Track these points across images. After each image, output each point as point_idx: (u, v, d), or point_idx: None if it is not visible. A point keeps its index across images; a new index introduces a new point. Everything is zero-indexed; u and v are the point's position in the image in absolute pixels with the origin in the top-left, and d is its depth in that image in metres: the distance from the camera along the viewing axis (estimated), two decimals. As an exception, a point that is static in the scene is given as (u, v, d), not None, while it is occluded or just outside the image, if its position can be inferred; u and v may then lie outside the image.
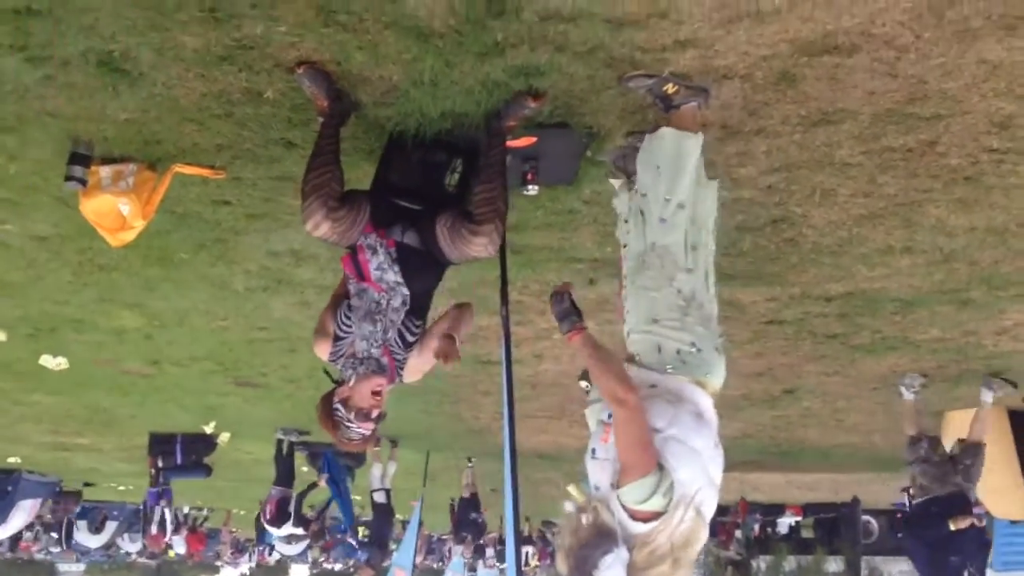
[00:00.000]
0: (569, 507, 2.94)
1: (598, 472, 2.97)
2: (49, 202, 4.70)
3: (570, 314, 3.13)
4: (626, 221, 3.54)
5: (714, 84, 3.44)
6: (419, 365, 3.55)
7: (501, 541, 23.42)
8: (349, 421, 3.38)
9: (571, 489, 3.26)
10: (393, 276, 3.41)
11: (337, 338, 3.52)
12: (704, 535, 2.86)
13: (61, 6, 3.04)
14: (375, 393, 3.40)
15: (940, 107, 3.59)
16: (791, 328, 6.55)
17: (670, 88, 3.37)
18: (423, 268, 3.47)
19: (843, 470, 13.55)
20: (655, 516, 2.79)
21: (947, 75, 3.39)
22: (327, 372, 3.64)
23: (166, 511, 14.93)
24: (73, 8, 3.05)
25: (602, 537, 2.84)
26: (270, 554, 20.34)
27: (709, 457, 2.88)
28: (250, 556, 25.06)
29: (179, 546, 22.94)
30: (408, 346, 3.48)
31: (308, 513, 13.26)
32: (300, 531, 12.79)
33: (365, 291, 3.46)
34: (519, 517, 3.50)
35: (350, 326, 3.49)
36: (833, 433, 10.45)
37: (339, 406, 3.39)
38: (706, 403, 3.00)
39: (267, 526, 12.59)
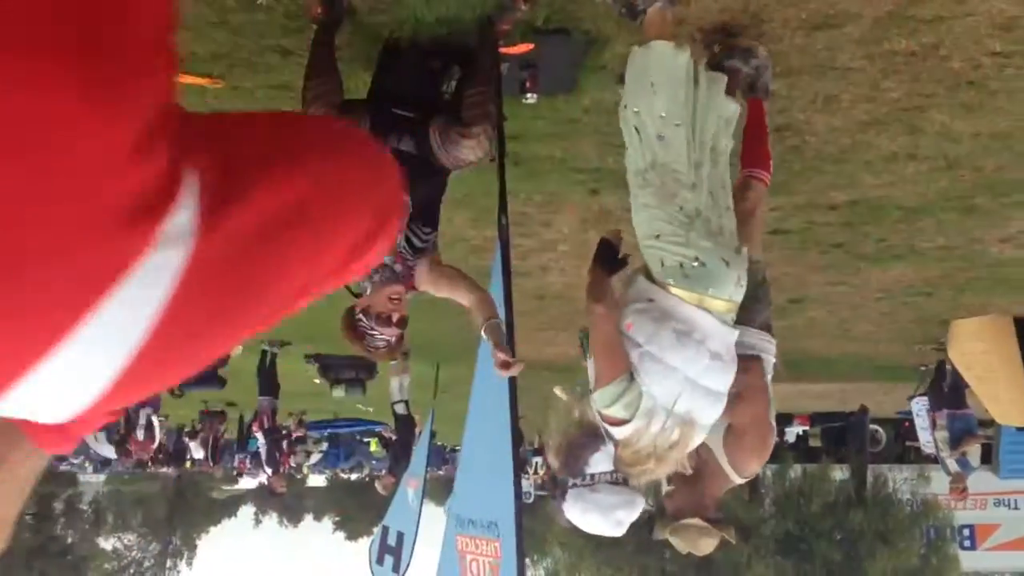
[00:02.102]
0: (558, 406, 3.12)
1: (590, 376, 3.10)
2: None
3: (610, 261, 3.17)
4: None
5: None
6: (435, 283, 3.51)
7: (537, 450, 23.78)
8: (372, 329, 3.40)
9: (557, 390, 3.32)
10: None
11: None
12: (697, 438, 2.98)
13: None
14: (392, 299, 3.40)
15: (942, 9, 3.53)
16: (796, 237, 6.55)
17: None
18: (421, 175, 3.46)
19: (850, 380, 13.65)
20: (622, 422, 2.91)
21: (950, -25, 3.33)
22: (347, 288, 3.66)
23: (153, 417, 14.50)
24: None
25: (589, 437, 3.06)
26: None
27: (701, 370, 2.92)
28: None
29: (197, 452, 23.43)
30: (417, 251, 3.48)
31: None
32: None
33: None
34: (518, 438, 3.58)
35: None
36: (839, 343, 10.51)
37: (361, 316, 3.41)
38: (701, 321, 2.98)
39: (259, 436, 12.86)
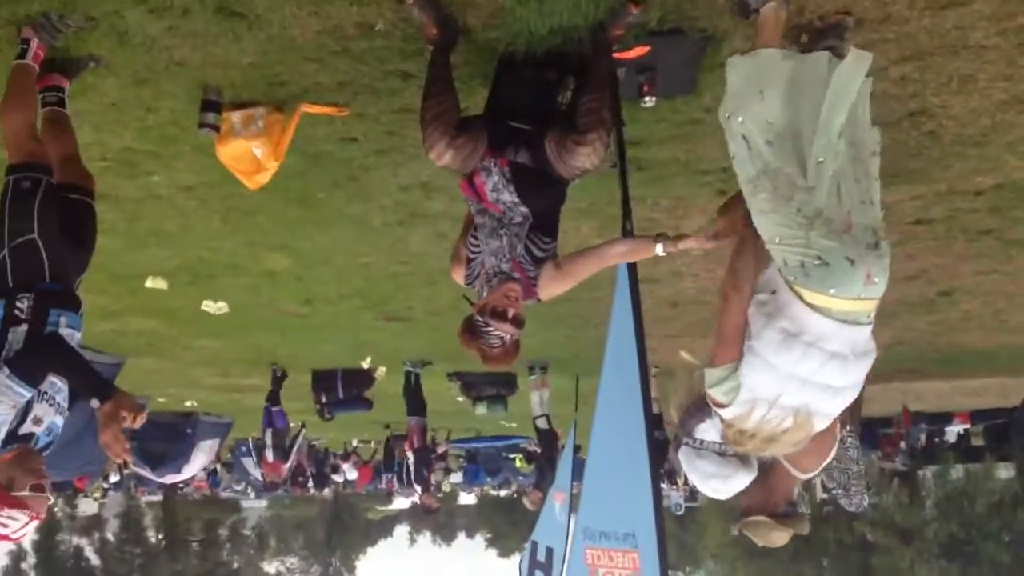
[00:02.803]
0: (683, 367, 3.37)
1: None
2: (189, 151, 4.92)
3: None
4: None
5: None
6: (564, 278, 3.53)
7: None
8: (487, 325, 3.39)
9: (683, 354, 3.41)
10: (509, 196, 3.43)
11: (469, 260, 3.59)
12: (818, 425, 3.10)
13: (173, -44, 3.16)
14: (509, 295, 3.40)
15: (1079, -25, 3.35)
16: (941, 227, 6.30)
17: None
18: (539, 186, 3.47)
19: (1010, 373, 13.03)
20: (723, 405, 3.11)
21: (1085, -62, 3.16)
22: (466, 297, 3.70)
23: (268, 437, 13.57)
24: (185, -43, 3.17)
25: (698, 408, 3.35)
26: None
27: (815, 368, 2.98)
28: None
29: (350, 473, 24.04)
30: (538, 261, 3.49)
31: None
32: None
33: (486, 210, 3.50)
34: (656, 451, 3.56)
35: (478, 245, 3.54)
36: (996, 335, 10.03)
37: (477, 316, 3.43)
38: (815, 324, 2.98)
39: (410, 455, 13.06)
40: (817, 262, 2.95)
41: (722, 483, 3.46)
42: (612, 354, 3.79)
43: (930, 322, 9.40)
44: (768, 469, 3.56)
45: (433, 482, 14.13)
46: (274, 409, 12.59)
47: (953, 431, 18.13)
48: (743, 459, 3.41)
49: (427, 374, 12.16)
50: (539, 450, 13.06)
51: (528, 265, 3.46)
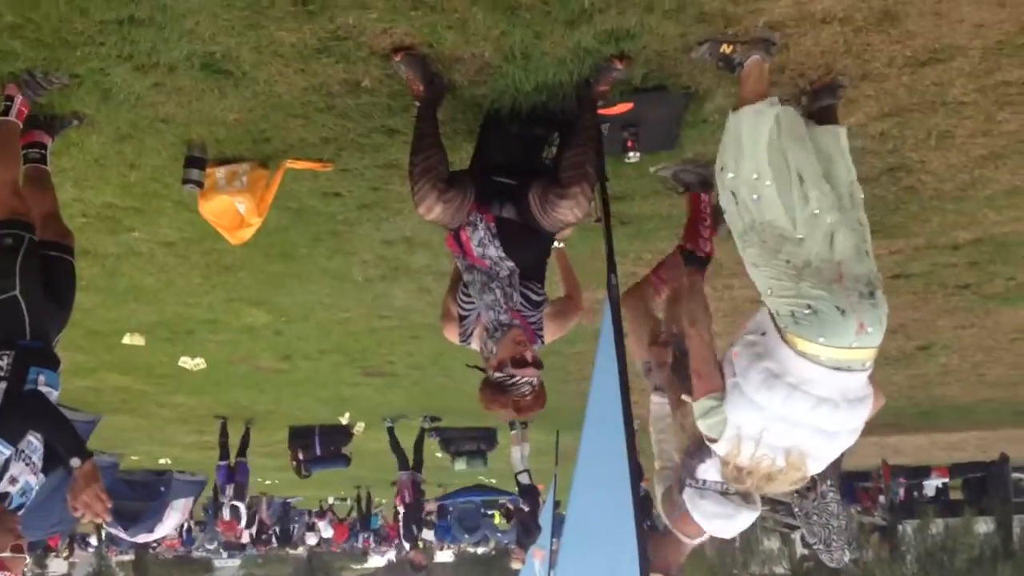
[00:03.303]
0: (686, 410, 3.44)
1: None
2: (171, 207, 4.90)
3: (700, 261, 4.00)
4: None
5: (772, 31, 3.36)
6: (558, 324, 3.62)
7: None
8: (512, 377, 3.36)
9: (684, 396, 3.46)
10: (495, 251, 3.43)
11: (461, 317, 3.58)
12: (812, 468, 3.19)
13: (162, 13, 3.16)
14: (518, 343, 3.38)
15: (1055, 34, 3.41)
16: (919, 281, 6.35)
17: (727, 48, 3.40)
18: (524, 240, 3.47)
19: (989, 427, 13.07)
20: (712, 440, 3.23)
21: (1060, -2, 3.22)
22: (475, 366, 3.66)
23: (233, 499, 13.16)
24: (173, 14, 3.17)
25: (698, 448, 3.47)
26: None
27: (804, 411, 3.06)
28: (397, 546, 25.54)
29: (326, 531, 23.71)
30: (536, 305, 3.49)
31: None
32: None
33: (473, 266, 3.49)
34: (640, 507, 3.52)
35: (471, 301, 3.53)
36: (975, 388, 10.08)
37: (497, 374, 3.39)
38: (801, 369, 3.05)
39: (400, 509, 12.90)
40: (807, 311, 3.03)
41: (726, 522, 3.56)
42: (594, 408, 3.75)
43: (909, 376, 9.43)
44: (663, 537, 3.78)
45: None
46: (239, 461, 12.34)
47: (932, 485, 18.13)
48: (746, 497, 3.50)
49: (402, 428, 12.06)
50: (523, 507, 12.94)
51: (528, 311, 3.45)
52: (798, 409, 3.06)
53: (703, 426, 3.23)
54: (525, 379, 3.37)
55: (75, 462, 3.11)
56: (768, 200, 3.21)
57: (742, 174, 3.29)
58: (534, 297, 3.47)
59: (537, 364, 3.38)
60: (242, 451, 12.23)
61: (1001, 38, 3.43)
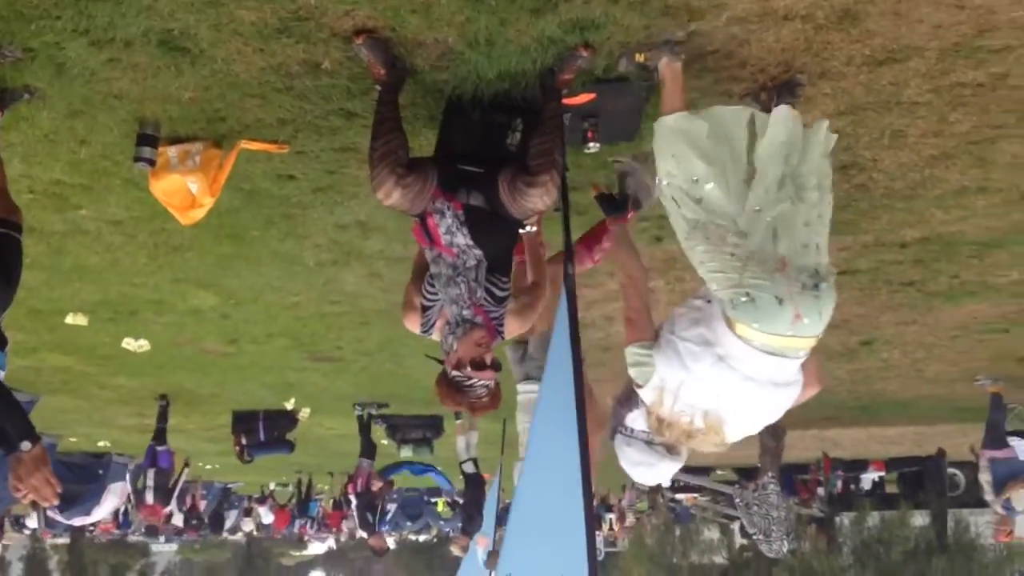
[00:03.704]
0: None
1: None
2: (121, 185, 4.80)
3: (619, 206, 4.00)
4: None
5: (675, 31, 3.42)
6: (517, 324, 3.56)
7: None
8: (469, 378, 3.37)
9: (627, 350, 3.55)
10: (463, 239, 3.41)
11: (424, 308, 3.56)
12: (729, 436, 3.31)
13: (120, -13, 3.10)
14: (479, 344, 3.38)
15: (1010, 37, 3.47)
16: (866, 277, 6.45)
17: (640, 57, 3.50)
18: (492, 228, 3.47)
19: (926, 422, 13.32)
20: (638, 386, 3.36)
21: (1017, 2, 3.28)
22: (433, 357, 3.65)
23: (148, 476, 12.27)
24: (132, -12, 3.11)
25: (628, 397, 3.59)
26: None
27: (726, 382, 3.18)
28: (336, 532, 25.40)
29: (267, 517, 23.52)
30: (499, 301, 3.48)
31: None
32: None
33: (440, 257, 3.47)
34: (591, 498, 3.53)
35: (435, 293, 3.51)
36: (914, 384, 10.26)
37: (455, 372, 3.40)
38: (732, 345, 3.15)
39: (353, 498, 12.82)
40: (744, 299, 3.10)
41: (647, 470, 3.66)
42: (546, 398, 3.76)
43: (850, 371, 9.58)
44: None
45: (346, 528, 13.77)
46: (159, 448, 11.77)
47: (868, 478, 18.49)
48: (670, 449, 3.57)
49: (342, 414, 11.98)
50: (463, 498, 12.93)
51: (492, 307, 3.44)
52: (721, 379, 3.18)
53: (632, 372, 3.36)
54: (482, 382, 3.39)
55: (25, 445, 3.02)
56: (710, 200, 3.27)
57: (680, 179, 3.34)
58: (499, 292, 3.46)
59: (496, 367, 3.38)
60: (162, 438, 11.64)
61: (958, 40, 3.49)
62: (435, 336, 3.56)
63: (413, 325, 3.62)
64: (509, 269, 3.56)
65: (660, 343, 3.33)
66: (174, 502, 14.53)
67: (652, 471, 3.69)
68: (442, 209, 3.41)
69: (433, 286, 3.51)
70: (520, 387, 4.53)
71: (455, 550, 10.81)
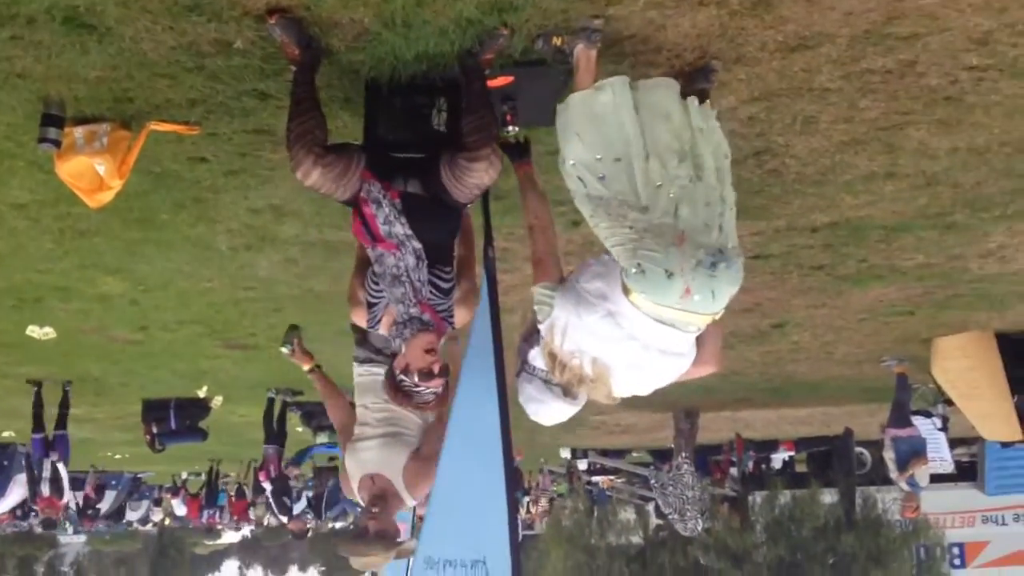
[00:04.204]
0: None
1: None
2: (24, 168, 4.64)
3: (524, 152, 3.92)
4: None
5: (593, 19, 3.44)
6: (466, 312, 3.62)
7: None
8: (416, 386, 3.39)
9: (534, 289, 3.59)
10: (401, 228, 3.38)
11: (370, 304, 3.53)
12: (616, 389, 3.32)
13: (21, -40, 2.98)
14: (429, 351, 3.39)
15: (918, 25, 3.55)
16: (777, 262, 6.56)
17: (557, 41, 3.52)
18: (432, 216, 3.45)
19: (834, 403, 13.67)
20: (539, 321, 3.36)
21: (925, -10, 3.35)
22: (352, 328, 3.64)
23: (59, 466, 12.05)
24: (33, -38, 2.99)
25: (531, 333, 3.54)
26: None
27: (607, 336, 3.21)
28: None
29: (179, 508, 23.12)
30: (445, 293, 3.47)
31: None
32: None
33: (382, 256, 3.44)
34: (512, 479, 3.53)
35: (380, 291, 3.49)
36: (823, 366, 10.51)
37: (402, 376, 3.39)
38: (622, 306, 3.18)
39: (266, 485, 12.69)
40: (635, 270, 3.12)
41: (538, 406, 3.61)
42: (467, 378, 3.76)
43: (762, 353, 9.76)
44: (385, 497, 3.93)
45: (252, 516, 13.58)
46: (57, 434, 11.25)
47: (779, 458, 18.95)
48: (567, 392, 3.54)
49: (256, 401, 11.83)
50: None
51: (438, 299, 3.44)
52: (606, 333, 3.21)
53: (536, 309, 3.38)
54: (430, 389, 3.41)
55: None
56: (612, 177, 3.30)
57: (584, 158, 3.36)
58: (443, 284, 3.46)
59: (444, 372, 3.40)
60: (62, 422, 11.14)
61: (868, 27, 3.55)
62: (382, 331, 3.54)
63: (360, 319, 3.61)
64: (451, 259, 3.56)
65: (565, 286, 3.36)
66: (69, 493, 13.99)
67: (544, 408, 3.66)
68: (379, 198, 3.38)
69: (377, 284, 3.48)
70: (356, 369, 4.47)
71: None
